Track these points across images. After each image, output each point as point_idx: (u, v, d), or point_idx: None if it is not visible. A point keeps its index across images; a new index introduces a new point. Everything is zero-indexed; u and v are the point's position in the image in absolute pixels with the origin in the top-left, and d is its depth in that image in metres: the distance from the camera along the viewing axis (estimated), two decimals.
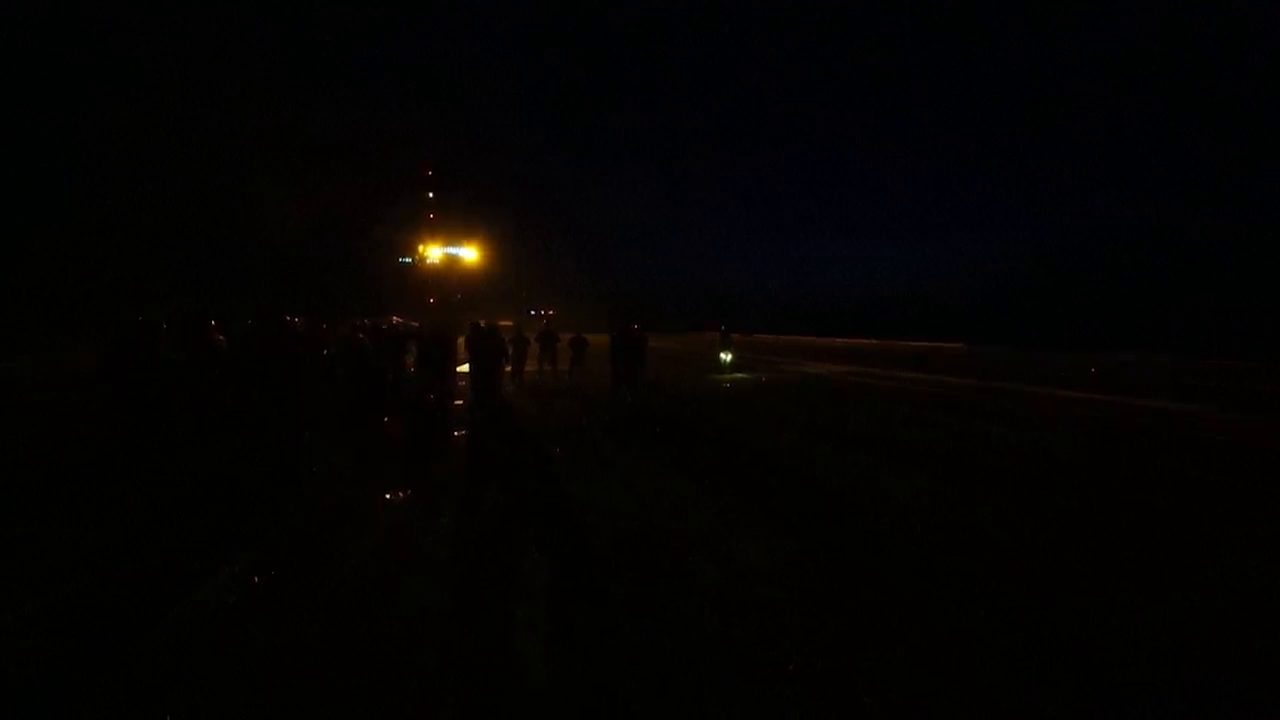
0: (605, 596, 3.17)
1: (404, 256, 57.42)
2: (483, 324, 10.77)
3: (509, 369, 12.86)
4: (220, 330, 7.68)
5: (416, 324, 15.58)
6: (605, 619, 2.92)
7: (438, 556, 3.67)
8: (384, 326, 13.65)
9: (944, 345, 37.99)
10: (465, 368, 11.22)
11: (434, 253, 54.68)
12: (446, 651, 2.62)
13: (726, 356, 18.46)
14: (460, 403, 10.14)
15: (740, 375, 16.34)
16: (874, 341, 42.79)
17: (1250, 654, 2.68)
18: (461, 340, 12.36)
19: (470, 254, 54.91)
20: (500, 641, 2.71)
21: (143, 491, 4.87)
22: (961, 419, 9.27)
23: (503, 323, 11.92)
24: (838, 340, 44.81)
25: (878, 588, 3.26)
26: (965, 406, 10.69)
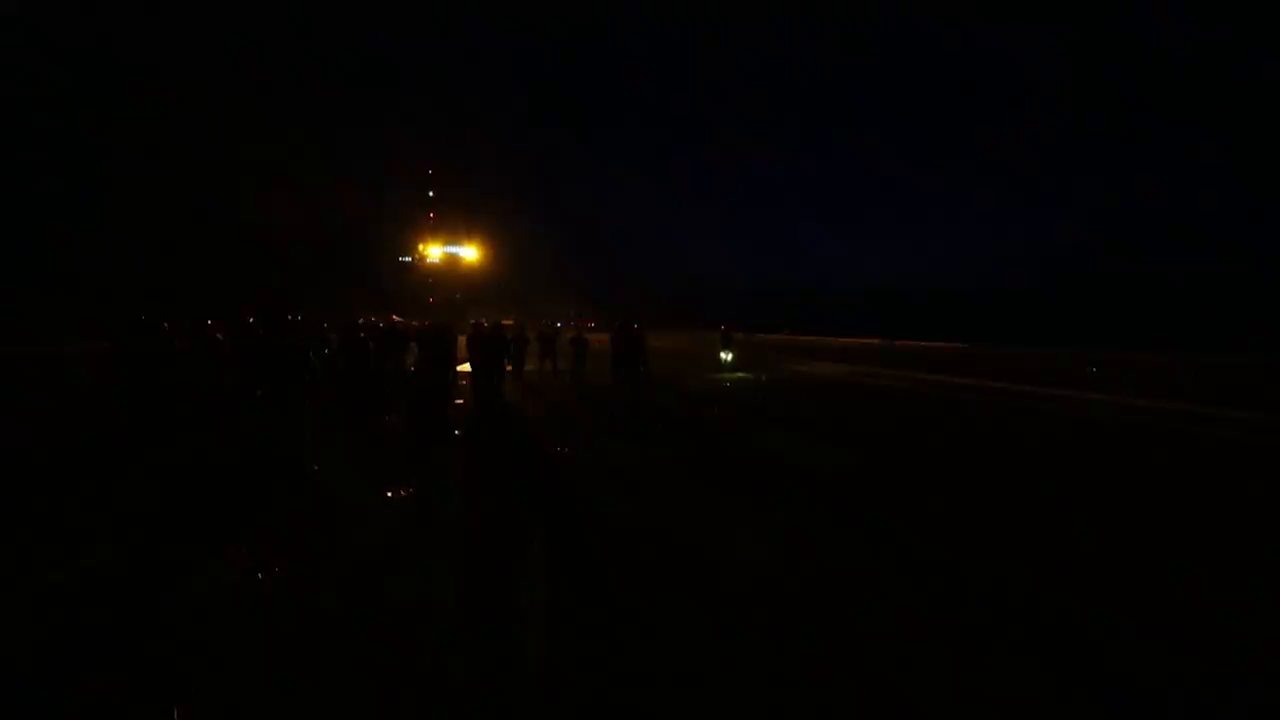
0: (606, 594, 3.15)
1: (403, 256, 57.48)
2: (484, 323, 10.77)
3: (509, 368, 12.87)
4: (219, 328, 7.70)
5: (416, 323, 15.57)
6: (607, 614, 2.91)
7: (437, 555, 3.65)
8: (383, 325, 13.64)
9: (945, 345, 37.99)
10: (466, 366, 11.21)
11: (434, 252, 54.76)
12: (443, 650, 2.60)
13: (727, 356, 18.43)
14: (461, 402, 10.13)
15: (741, 374, 16.31)
16: (875, 341, 42.78)
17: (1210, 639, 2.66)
18: (463, 339, 12.37)
19: (470, 253, 54.99)
20: (500, 639, 2.69)
21: (147, 480, 4.89)
22: (961, 418, 9.26)
23: (504, 321, 11.92)
24: (840, 339, 44.81)
25: (875, 582, 3.26)
26: (965, 406, 10.68)
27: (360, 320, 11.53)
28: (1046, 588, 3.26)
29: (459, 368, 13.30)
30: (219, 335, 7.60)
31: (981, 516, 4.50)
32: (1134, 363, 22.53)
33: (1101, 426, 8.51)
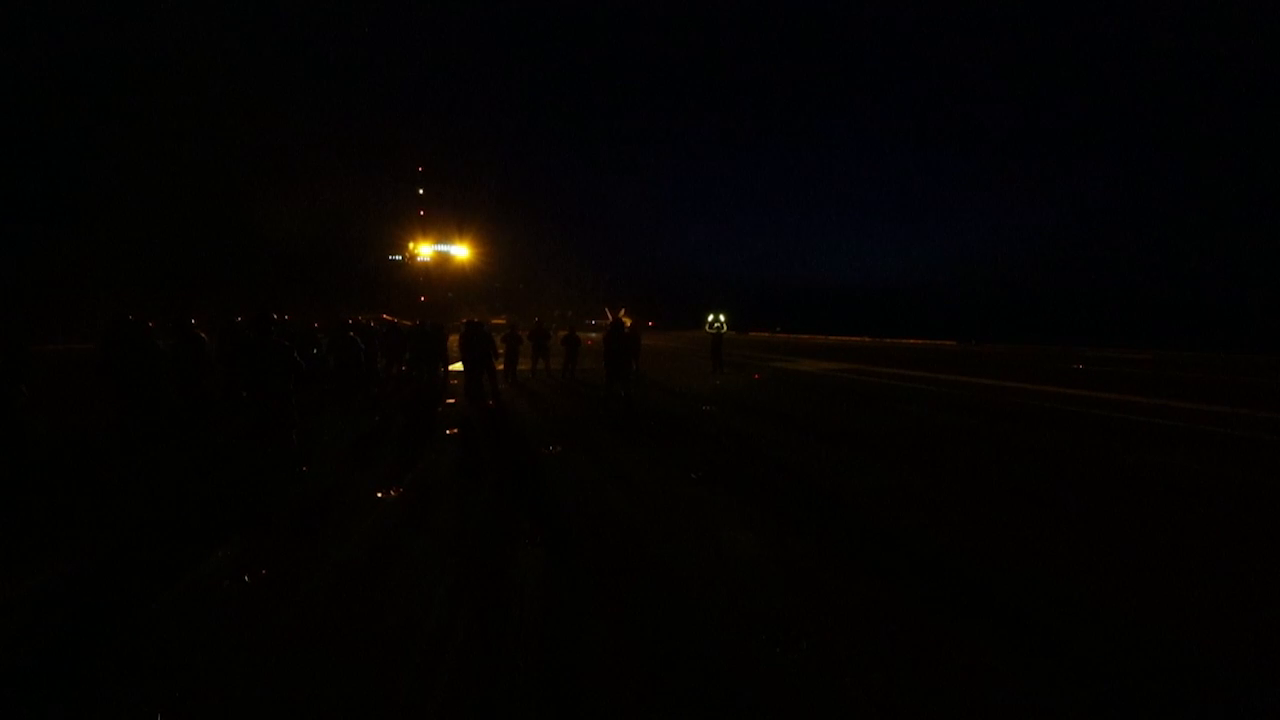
0: (599, 594, 3.11)
1: (393, 254, 57.01)
2: (476, 321, 10.73)
3: (501, 366, 12.80)
4: (202, 326, 7.58)
5: (409, 323, 15.44)
6: (600, 616, 2.88)
7: (426, 556, 3.59)
8: (373, 324, 13.51)
9: (939, 343, 38.31)
10: (459, 365, 11.12)
11: (424, 250, 54.40)
12: (430, 644, 2.55)
13: (719, 354, 18.42)
14: (453, 401, 10.04)
15: (732, 373, 16.34)
16: (867, 339, 43.06)
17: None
18: (455, 339, 12.30)
19: (462, 251, 54.68)
20: (488, 643, 2.65)
21: (133, 482, 4.82)
22: (951, 415, 9.31)
23: (495, 320, 11.85)
24: (831, 338, 45.07)
25: (849, 565, 3.25)
26: (955, 403, 10.75)
27: (350, 320, 11.40)
28: (1005, 567, 3.27)
29: (452, 366, 13.22)
30: (203, 335, 7.47)
31: (948, 503, 4.52)
32: (1121, 359, 22.84)
33: (1087, 421, 8.58)
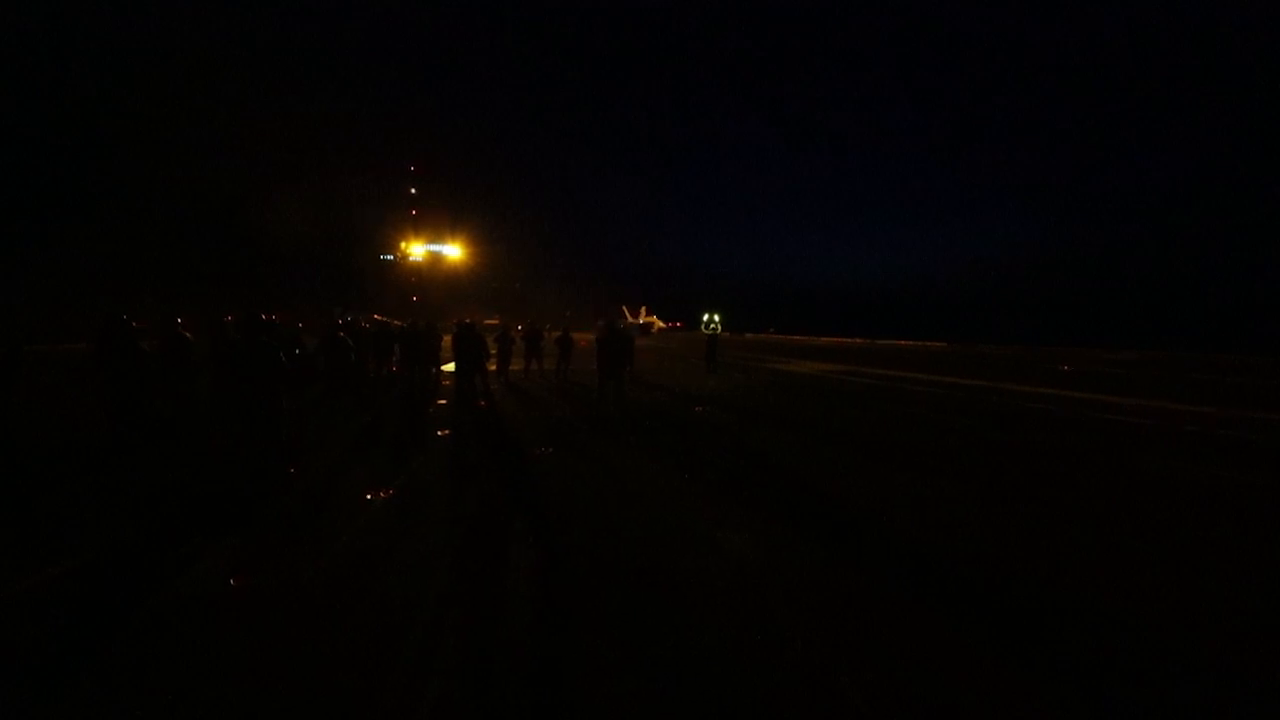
0: (587, 587, 3.08)
1: (385, 254, 56.64)
2: (468, 322, 10.65)
3: (494, 367, 12.73)
4: (187, 326, 7.47)
5: (398, 323, 15.33)
6: (588, 607, 2.84)
7: (415, 559, 3.53)
8: (365, 325, 13.39)
9: (930, 344, 38.59)
10: (452, 366, 11.03)
11: (416, 250, 54.13)
12: (422, 647, 2.51)
13: (713, 355, 18.44)
14: (444, 402, 9.96)
15: (726, 374, 16.35)
16: (859, 341, 43.28)
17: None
18: (448, 339, 12.21)
19: (454, 251, 54.44)
20: (484, 634, 2.60)
21: (122, 484, 4.72)
22: (938, 415, 9.35)
23: (488, 321, 11.79)
24: (825, 339, 45.30)
25: (840, 562, 3.24)
26: (940, 403, 10.81)
27: (340, 320, 11.28)
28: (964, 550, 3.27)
29: (444, 367, 13.11)
30: (188, 335, 7.35)
31: (939, 502, 4.53)
32: (1104, 360, 23.09)
33: (1070, 421, 8.64)
